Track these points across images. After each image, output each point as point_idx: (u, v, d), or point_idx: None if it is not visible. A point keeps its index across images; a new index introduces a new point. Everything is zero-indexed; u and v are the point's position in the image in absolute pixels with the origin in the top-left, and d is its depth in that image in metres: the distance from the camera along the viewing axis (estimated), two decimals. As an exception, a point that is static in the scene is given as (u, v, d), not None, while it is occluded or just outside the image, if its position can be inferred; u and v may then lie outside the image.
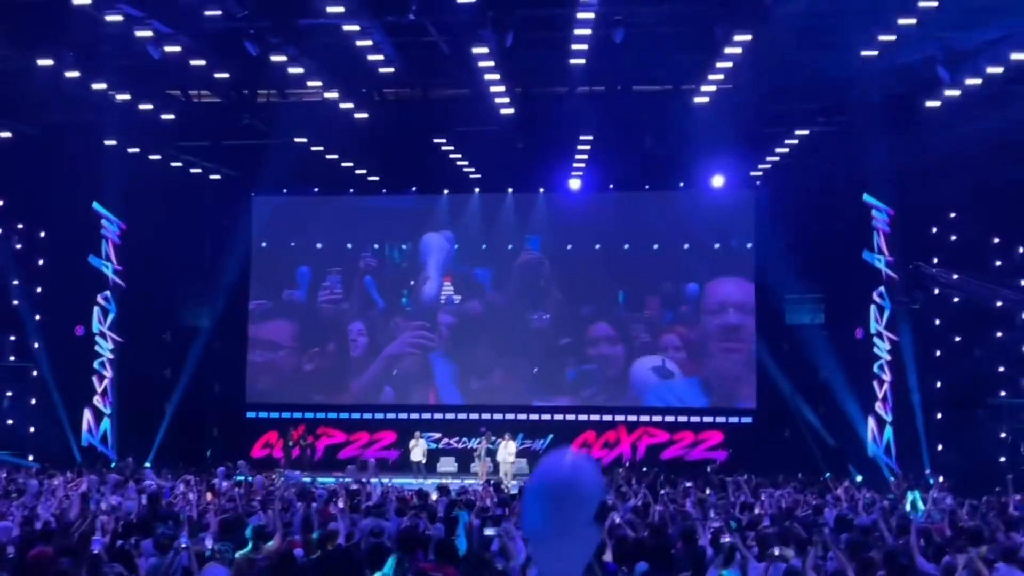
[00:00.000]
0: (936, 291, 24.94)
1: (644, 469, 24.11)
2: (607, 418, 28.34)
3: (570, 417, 28.32)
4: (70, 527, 10.68)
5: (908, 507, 15.14)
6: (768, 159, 26.26)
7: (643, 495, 15.32)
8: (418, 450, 26.68)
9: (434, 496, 15.44)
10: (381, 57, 20.17)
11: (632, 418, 28.27)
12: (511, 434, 26.65)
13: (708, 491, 17.78)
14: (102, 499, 11.40)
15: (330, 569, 9.34)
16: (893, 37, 19.01)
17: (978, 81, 20.32)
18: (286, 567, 9.64)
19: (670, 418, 28.20)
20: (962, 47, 19.78)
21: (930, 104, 21.76)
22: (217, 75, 21.32)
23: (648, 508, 13.50)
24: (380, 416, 28.78)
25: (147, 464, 23.61)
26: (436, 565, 8.99)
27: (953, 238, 25.58)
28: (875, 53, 19.78)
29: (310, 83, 21.67)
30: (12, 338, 27.76)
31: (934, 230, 25.82)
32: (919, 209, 25.17)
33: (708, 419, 28.16)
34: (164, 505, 13.54)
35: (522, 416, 28.10)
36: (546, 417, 28.38)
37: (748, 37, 18.66)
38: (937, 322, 25.58)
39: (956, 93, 20.86)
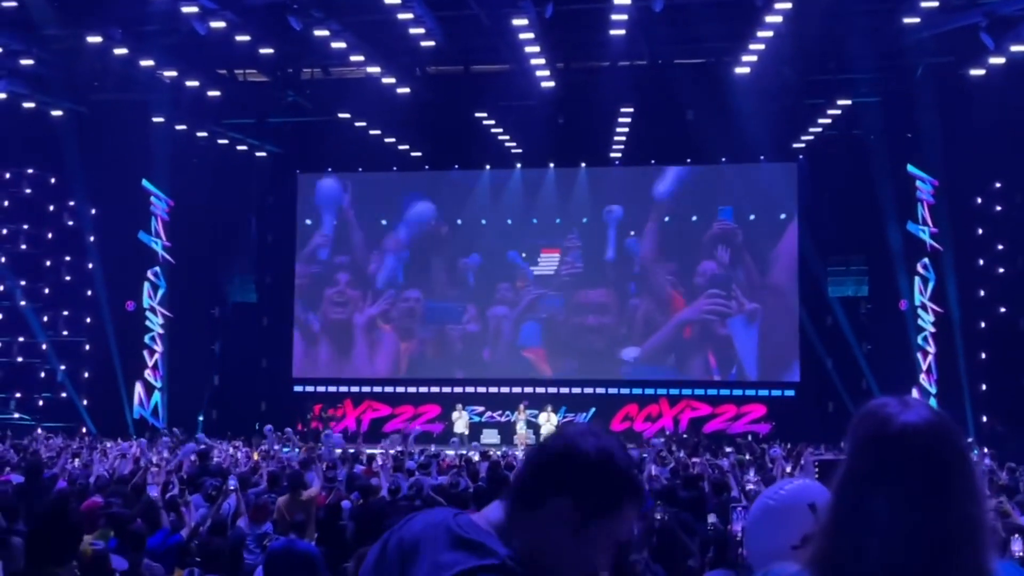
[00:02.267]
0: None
1: (685, 437, 24.27)
2: (649, 391, 28.47)
3: (612, 391, 28.48)
4: (124, 480, 11.09)
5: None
6: (811, 130, 26.17)
7: (682, 459, 15.51)
8: (461, 423, 27.00)
9: (476, 457, 15.75)
10: (422, 31, 20.42)
11: (675, 391, 28.37)
12: (552, 407, 26.90)
13: (748, 456, 17.93)
14: (152, 455, 11.85)
15: (373, 518, 9.61)
16: (936, 3, 18.96)
17: (1023, 48, 20.17)
18: (333, 517, 9.97)
19: (712, 391, 28.28)
20: (1006, 13, 19.64)
21: (974, 72, 21.59)
22: (262, 51, 21.68)
23: (686, 468, 13.71)
24: (424, 390, 29.11)
25: (199, 433, 24.05)
26: (476, 510, 9.26)
27: (998, 208, 25.37)
28: (917, 20, 19.72)
29: (353, 58, 21.95)
30: (65, 313, 28.41)
31: (979, 200, 25.63)
32: (963, 179, 24.97)
33: (751, 392, 28.20)
34: (213, 464, 13.95)
35: (564, 390, 28.30)
36: (588, 391, 28.55)
37: (788, 5, 18.67)
38: (982, 293, 25.42)
39: (1001, 61, 20.71)
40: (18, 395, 28.06)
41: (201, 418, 27.56)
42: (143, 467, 11.51)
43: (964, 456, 1.79)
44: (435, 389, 28.94)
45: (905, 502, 1.74)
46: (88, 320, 28.10)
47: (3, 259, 27.87)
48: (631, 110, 24.89)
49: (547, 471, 2.12)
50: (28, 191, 28.54)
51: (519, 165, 29.46)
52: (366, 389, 29.56)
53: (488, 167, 29.68)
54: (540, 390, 28.12)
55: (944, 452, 1.77)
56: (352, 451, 17.82)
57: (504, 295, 29.45)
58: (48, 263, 28.60)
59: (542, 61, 21.75)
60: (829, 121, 25.30)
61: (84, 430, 26.11)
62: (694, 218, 28.77)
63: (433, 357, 29.60)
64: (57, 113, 24.80)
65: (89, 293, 27.80)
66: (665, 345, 28.78)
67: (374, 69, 22.32)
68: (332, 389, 29.43)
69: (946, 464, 1.76)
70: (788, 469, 14.25)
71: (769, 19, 19.32)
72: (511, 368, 28.95)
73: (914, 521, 1.74)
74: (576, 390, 28.53)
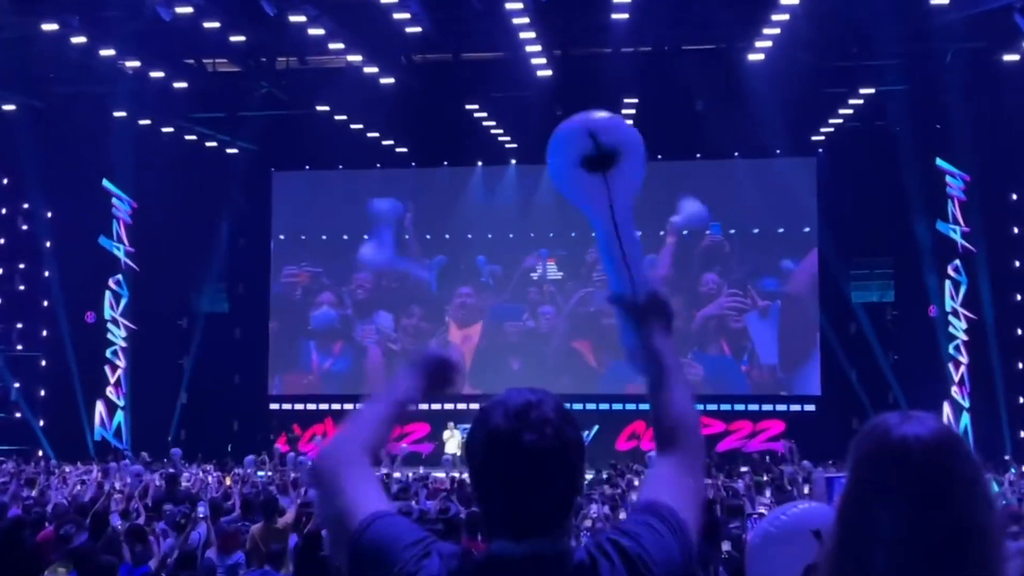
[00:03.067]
0: None
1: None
2: (658, 407, 28.38)
3: (617, 406, 28.46)
4: (85, 508, 11.07)
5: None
6: (831, 122, 26.22)
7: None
8: (453, 442, 26.98)
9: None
10: (408, 16, 20.44)
11: (685, 406, 28.31)
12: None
13: (766, 476, 17.97)
14: (116, 480, 11.85)
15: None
16: (966, -17, 19.04)
17: (1060, 31, 20.26)
18: (312, 547, 9.94)
19: (726, 407, 28.24)
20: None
21: (1008, 58, 21.68)
22: (232, 38, 21.66)
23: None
24: (412, 407, 29.00)
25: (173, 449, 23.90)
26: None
27: (1035, 205, 25.50)
28: (946, 1, 19.78)
29: (332, 46, 21.96)
30: (19, 326, 28.36)
31: (1014, 197, 25.68)
32: (997, 174, 25.02)
33: (768, 407, 28.21)
34: (182, 488, 13.93)
35: (565, 406, 28.19)
36: (591, 407, 28.54)
37: (806, -14, 18.75)
38: (1018, 297, 25.46)
39: (1036, 45, 20.81)
40: (-32, 416, 28.01)
41: (170, 437, 27.50)
42: (106, 493, 11.48)
43: (968, 465, 1.88)
44: (424, 406, 28.90)
45: (908, 513, 1.83)
46: (44, 333, 28.03)
47: (-49, 267, 27.87)
48: (635, 101, 24.89)
49: (580, 456, 2.16)
50: (-22, 193, 28.52)
51: (514, 161, 29.48)
52: (348, 406, 29.42)
53: (480, 163, 29.70)
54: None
55: (945, 462, 1.86)
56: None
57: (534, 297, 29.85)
58: (0, 271, 28.55)
59: (538, 48, 21.78)
60: (851, 112, 25.36)
61: (40, 453, 26.03)
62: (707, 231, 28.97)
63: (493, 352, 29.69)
64: (9, 108, 24.80)
65: (45, 304, 27.75)
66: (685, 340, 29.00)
67: (355, 58, 22.33)
68: (311, 407, 29.37)
69: (948, 474, 1.85)
70: (807, 490, 14.30)
71: (785, 1, 19.36)
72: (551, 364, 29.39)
73: (918, 532, 1.83)
74: (578, 406, 28.48)
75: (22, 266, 28.32)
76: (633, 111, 25.50)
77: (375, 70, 22.76)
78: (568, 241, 29.35)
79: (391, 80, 23.26)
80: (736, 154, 28.16)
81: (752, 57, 21.80)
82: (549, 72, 23.01)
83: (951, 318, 25.42)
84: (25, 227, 28.28)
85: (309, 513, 10.75)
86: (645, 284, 2.62)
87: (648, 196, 28.44)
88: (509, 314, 29.91)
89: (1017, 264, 25.57)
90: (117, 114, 25.22)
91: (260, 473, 19.71)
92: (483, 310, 30.10)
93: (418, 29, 21.26)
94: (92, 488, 13.14)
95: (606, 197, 2.63)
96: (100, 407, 27.47)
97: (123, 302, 28.03)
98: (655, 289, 2.62)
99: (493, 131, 27.29)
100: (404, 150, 28.89)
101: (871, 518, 1.85)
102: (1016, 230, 25.57)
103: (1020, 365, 25.07)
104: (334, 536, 2.31)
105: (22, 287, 28.32)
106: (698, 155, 28.82)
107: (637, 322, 2.60)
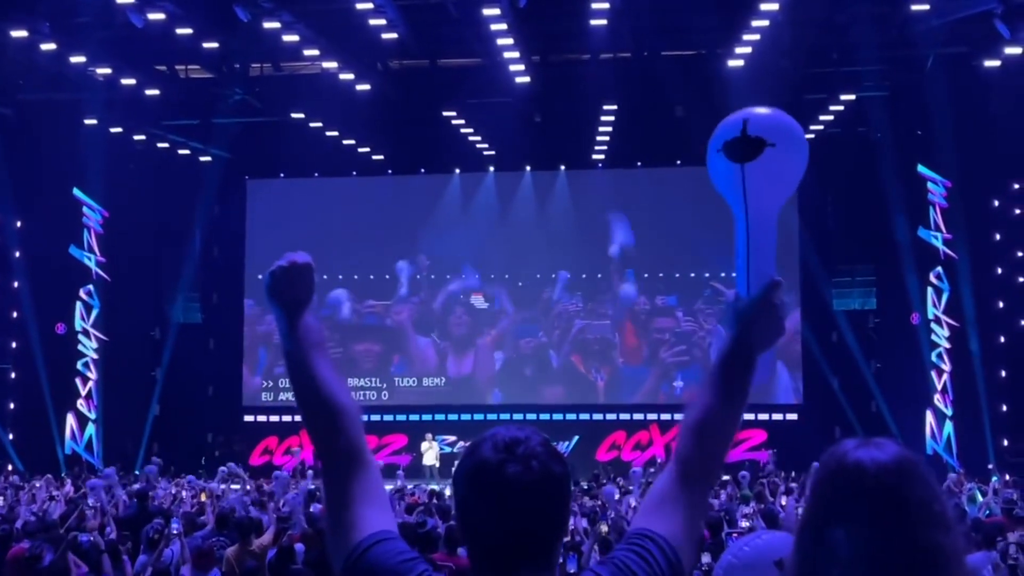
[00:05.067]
0: None
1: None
2: (638, 417, 28.51)
3: (597, 416, 28.52)
4: (54, 524, 10.99)
5: (966, 500, 15.29)
6: (812, 128, 26.30)
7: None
8: (431, 454, 26.95)
9: (448, 492, 15.74)
10: (384, 22, 20.48)
11: (666, 417, 28.38)
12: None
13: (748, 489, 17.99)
14: (90, 495, 11.82)
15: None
16: (946, -11, 19.19)
17: (1042, 36, 20.44)
18: (286, 562, 9.91)
19: (707, 416, 28.26)
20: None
21: (989, 63, 21.84)
22: (205, 45, 21.62)
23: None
24: (389, 418, 28.97)
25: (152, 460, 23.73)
26: (447, 555, 9.26)
27: (1017, 211, 25.63)
28: (927, 7, 19.91)
29: (307, 52, 21.95)
30: (-13, 337, 28.16)
31: (996, 203, 25.85)
32: (979, 180, 25.17)
33: (749, 416, 27.98)
34: (153, 505, 13.84)
35: (544, 416, 28.27)
36: (571, 417, 28.58)
37: (786, -9, 18.85)
38: (1001, 304, 25.60)
39: (1017, 51, 20.97)
40: (-64, 430, 27.77)
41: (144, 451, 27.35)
42: (79, 510, 11.40)
43: (924, 487, 1.92)
44: (401, 417, 28.86)
45: (864, 535, 1.87)
46: (13, 345, 27.80)
47: (-83, 279, 27.60)
48: (614, 107, 24.98)
49: (565, 491, 2.17)
50: (-56, 202, 28.28)
51: (492, 168, 29.52)
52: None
53: (458, 171, 29.71)
54: (518, 416, 28.05)
55: (900, 484, 1.90)
56: (311, 487, 17.74)
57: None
58: (-33, 283, 28.34)
59: (516, 54, 21.80)
60: (831, 118, 25.46)
61: (10, 468, 25.82)
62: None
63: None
64: (-23, 115, 24.64)
65: (14, 315, 27.52)
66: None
67: (330, 64, 22.32)
68: (287, 418, 29.24)
69: (903, 496, 1.89)
70: (784, 502, 14.33)
71: (765, 7, 19.46)
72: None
73: (874, 554, 1.86)
74: (557, 416, 28.51)
75: (-10, 277, 28.10)
76: (612, 118, 25.61)
77: (351, 76, 22.75)
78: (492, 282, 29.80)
79: (367, 87, 23.25)
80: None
81: (732, 63, 21.89)
82: (527, 79, 23.05)
83: (933, 326, 25.53)
84: (-7, 237, 28.08)
85: (286, 529, 10.71)
86: (759, 289, 2.51)
87: (632, 202, 28.83)
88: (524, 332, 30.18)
89: (999, 271, 25.72)
90: (88, 121, 25.12)
91: (235, 487, 19.58)
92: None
93: (394, 35, 21.28)
94: (61, 504, 13.05)
95: (741, 187, 2.54)
96: (71, 420, 27.25)
97: (94, 313, 27.83)
98: (765, 296, 2.49)
99: (471, 138, 27.31)
100: (380, 157, 28.85)
101: (828, 541, 1.89)
102: (998, 236, 25.71)
103: (1003, 373, 25.20)
104: (332, 541, 2.29)
105: (-10, 298, 28.11)
106: (678, 161, 28.87)
107: (734, 326, 2.49)
